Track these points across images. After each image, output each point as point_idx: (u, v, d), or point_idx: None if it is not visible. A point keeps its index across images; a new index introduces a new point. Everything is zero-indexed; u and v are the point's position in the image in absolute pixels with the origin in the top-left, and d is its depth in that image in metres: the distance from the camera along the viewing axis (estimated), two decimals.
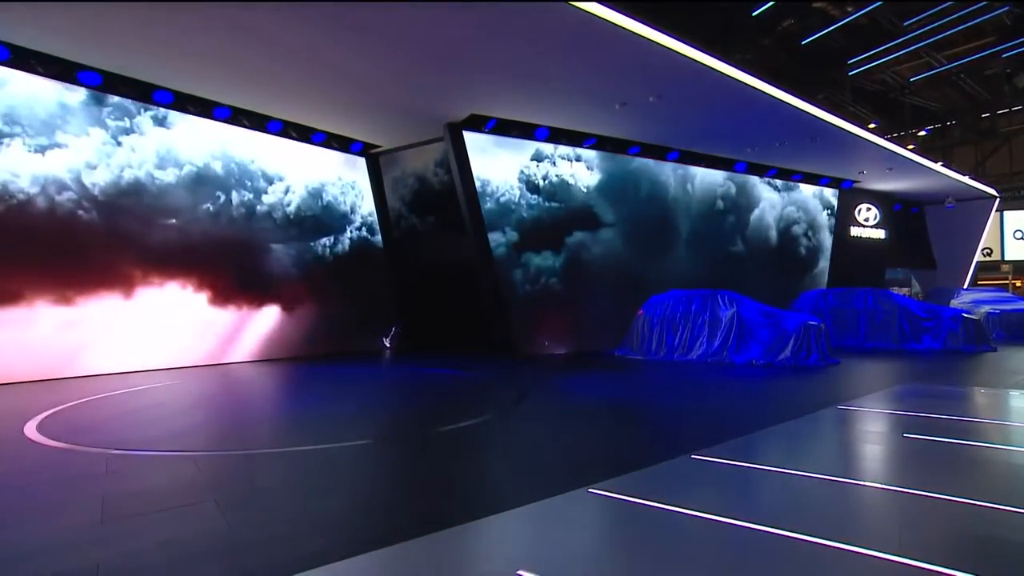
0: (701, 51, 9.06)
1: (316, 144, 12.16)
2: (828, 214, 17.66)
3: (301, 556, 2.85)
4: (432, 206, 12.89)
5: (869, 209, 19.27)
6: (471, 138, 11.31)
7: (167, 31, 7.65)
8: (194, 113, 10.28)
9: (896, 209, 20.63)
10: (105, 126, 9.46)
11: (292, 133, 11.66)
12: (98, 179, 9.39)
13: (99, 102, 9.37)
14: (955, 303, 15.96)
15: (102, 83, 9.08)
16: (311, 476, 4.27)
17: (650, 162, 13.72)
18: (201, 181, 10.56)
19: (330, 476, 4.27)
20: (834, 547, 2.84)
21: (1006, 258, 25.99)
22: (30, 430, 5.60)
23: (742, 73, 9.89)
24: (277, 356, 11.68)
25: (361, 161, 13.17)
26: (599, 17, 7.61)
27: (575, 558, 2.86)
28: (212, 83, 9.66)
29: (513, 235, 11.84)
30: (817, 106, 12.07)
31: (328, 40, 7.94)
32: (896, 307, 12.96)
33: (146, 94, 9.60)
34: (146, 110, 9.84)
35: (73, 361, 9.18)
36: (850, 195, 18.49)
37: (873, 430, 5.50)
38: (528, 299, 12.00)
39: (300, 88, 9.79)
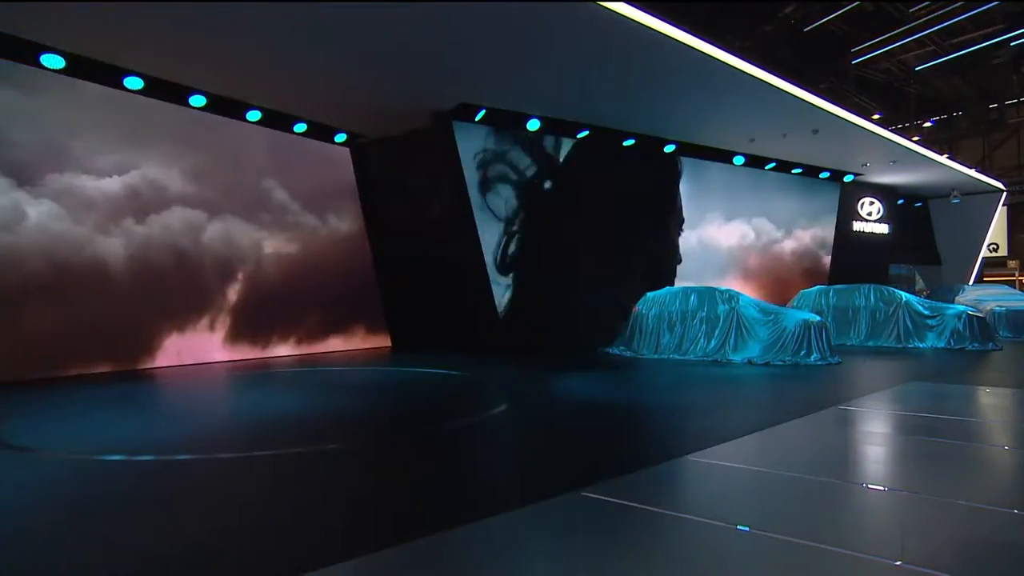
0: (699, 38, 9.08)
1: (297, 134, 12.06)
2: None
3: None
4: (421, 200, 12.84)
5: (872, 203, 19.43)
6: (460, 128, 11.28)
7: (137, 12, 7.55)
8: (167, 100, 10.15)
9: (900, 203, 20.79)
10: None
11: (271, 121, 11.54)
12: None
13: None
14: (960, 300, 16.12)
15: (66, 66, 8.91)
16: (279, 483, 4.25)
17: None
18: None
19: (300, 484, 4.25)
20: (835, 552, 2.87)
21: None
22: None
23: (742, 62, 9.93)
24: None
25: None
26: (592, 2, 7.62)
27: (568, 564, 2.87)
28: (186, 68, 9.53)
29: None
30: (819, 96, 12.15)
31: (310, 25, 7.89)
32: (899, 304, 13.07)
33: (115, 79, 9.46)
34: None
35: None
36: (852, 188, 18.62)
37: (876, 431, 5.56)
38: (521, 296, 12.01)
39: (279, 74, 9.70)
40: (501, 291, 11.81)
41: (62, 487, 4.16)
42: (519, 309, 12.05)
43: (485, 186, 11.54)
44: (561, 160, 12.60)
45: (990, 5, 15.98)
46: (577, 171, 12.77)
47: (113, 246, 9.91)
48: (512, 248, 11.95)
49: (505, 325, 11.91)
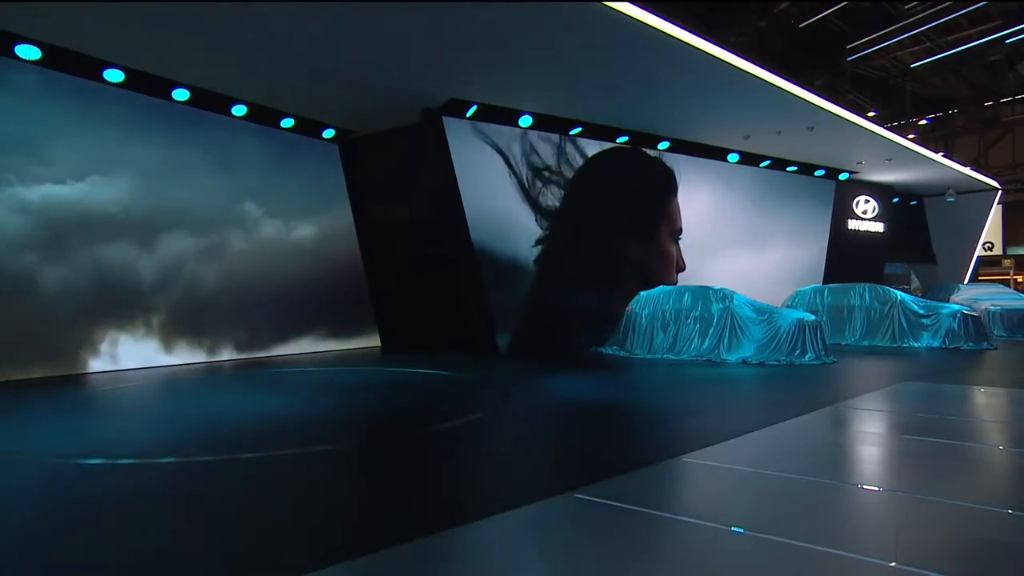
0: (693, 34, 9.10)
1: (284, 129, 11.97)
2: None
3: None
4: (411, 197, 12.79)
5: (867, 201, 19.56)
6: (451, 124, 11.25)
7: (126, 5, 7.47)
8: (149, 94, 10.05)
9: (895, 201, 20.96)
10: None
11: (258, 117, 11.46)
12: None
13: None
14: (955, 299, 16.28)
15: (42, 58, 8.77)
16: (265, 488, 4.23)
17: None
18: None
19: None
20: (830, 553, 2.89)
21: (1008, 252, 26.59)
22: None
23: (737, 58, 9.96)
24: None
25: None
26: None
27: (562, 567, 2.87)
28: (169, 60, 9.44)
29: None
30: (815, 93, 12.22)
31: (299, 19, 7.84)
32: (894, 303, 13.18)
33: (94, 72, 9.35)
34: None
35: None
36: (847, 186, 18.75)
37: (870, 431, 5.60)
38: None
39: (266, 68, 9.63)
40: (493, 290, 11.80)
41: (50, 490, 4.11)
42: (512, 309, 12.04)
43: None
44: (561, 160, 12.61)
45: (981, 4, 16.12)
46: (571, 170, 12.77)
47: (97, 245, 9.81)
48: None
49: (498, 325, 11.89)
